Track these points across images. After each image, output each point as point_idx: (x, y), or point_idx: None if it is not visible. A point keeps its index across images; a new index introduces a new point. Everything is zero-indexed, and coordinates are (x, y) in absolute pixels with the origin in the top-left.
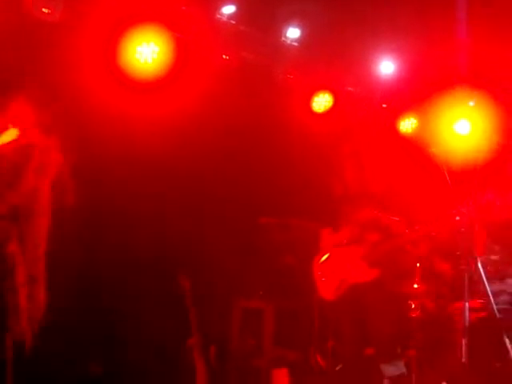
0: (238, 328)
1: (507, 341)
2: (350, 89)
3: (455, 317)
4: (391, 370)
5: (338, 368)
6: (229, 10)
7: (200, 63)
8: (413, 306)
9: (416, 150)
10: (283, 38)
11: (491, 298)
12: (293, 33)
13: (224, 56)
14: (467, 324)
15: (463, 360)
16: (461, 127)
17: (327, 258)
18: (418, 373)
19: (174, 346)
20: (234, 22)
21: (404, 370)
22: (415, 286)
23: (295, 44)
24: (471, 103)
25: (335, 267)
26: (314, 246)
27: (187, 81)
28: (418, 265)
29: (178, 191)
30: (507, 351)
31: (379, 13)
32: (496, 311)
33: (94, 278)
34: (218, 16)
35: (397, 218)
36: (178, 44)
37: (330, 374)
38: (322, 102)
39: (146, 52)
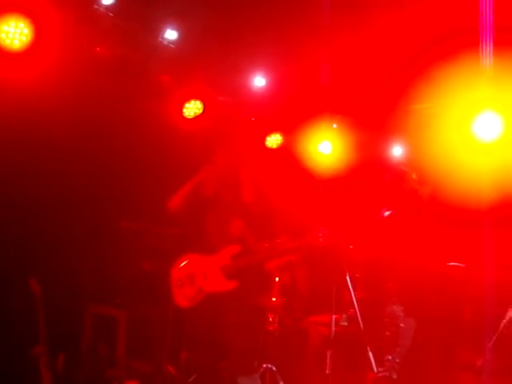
0: (89, 336)
1: (370, 353)
2: (220, 98)
3: (309, 330)
4: (247, 383)
5: (191, 379)
6: (107, 1)
7: (71, 52)
8: (270, 319)
9: (287, 164)
10: (160, 39)
11: (357, 310)
12: (170, 34)
13: (98, 48)
14: (332, 336)
15: (327, 372)
16: (324, 148)
17: (185, 265)
18: None
19: (18, 354)
20: (111, 15)
21: (259, 383)
22: (273, 299)
23: (172, 46)
24: (334, 125)
25: (193, 275)
26: (173, 253)
27: (55, 68)
28: (276, 279)
29: (34, 188)
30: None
31: (256, 27)
32: (361, 323)
33: None
34: (96, 6)
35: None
36: (48, 29)
37: None
38: (192, 108)
39: (14, 33)
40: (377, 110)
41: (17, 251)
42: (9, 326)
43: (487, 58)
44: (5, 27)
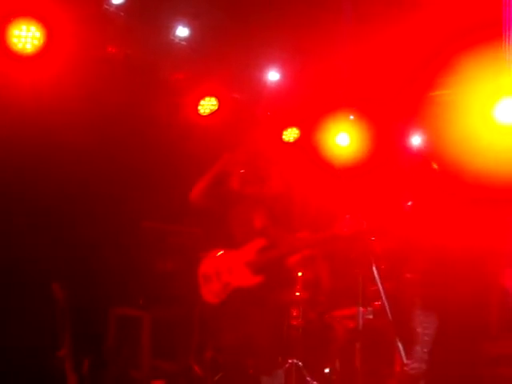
0: (114, 338)
1: (400, 344)
2: (235, 94)
3: (334, 324)
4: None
5: (216, 378)
6: (118, 0)
7: (83, 54)
8: (294, 314)
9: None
10: (172, 37)
11: (385, 301)
12: (182, 32)
13: (109, 48)
14: (360, 328)
15: (356, 364)
16: (341, 140)
17: (211, 261)
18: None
19: (44, 358)
20: (122, 14)
21: (282, 379)
22: (297, 293)
23: (184, 43)
24: (351, 117)
25: (219, 270)
26: (196, 252)
27: (68, 69)
28: (300, 274)
29: (53, 191)
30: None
31: (269, 23)
32: (389, 314)
33: None
34: (106, 6)
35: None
36: (59, 31)
37: None
38: (207, 105)
39: (26, 37)
40: (394, 99)
41: (40, 254)
42: (34, 329)
43: (508, 46)
44: (16, 31)
